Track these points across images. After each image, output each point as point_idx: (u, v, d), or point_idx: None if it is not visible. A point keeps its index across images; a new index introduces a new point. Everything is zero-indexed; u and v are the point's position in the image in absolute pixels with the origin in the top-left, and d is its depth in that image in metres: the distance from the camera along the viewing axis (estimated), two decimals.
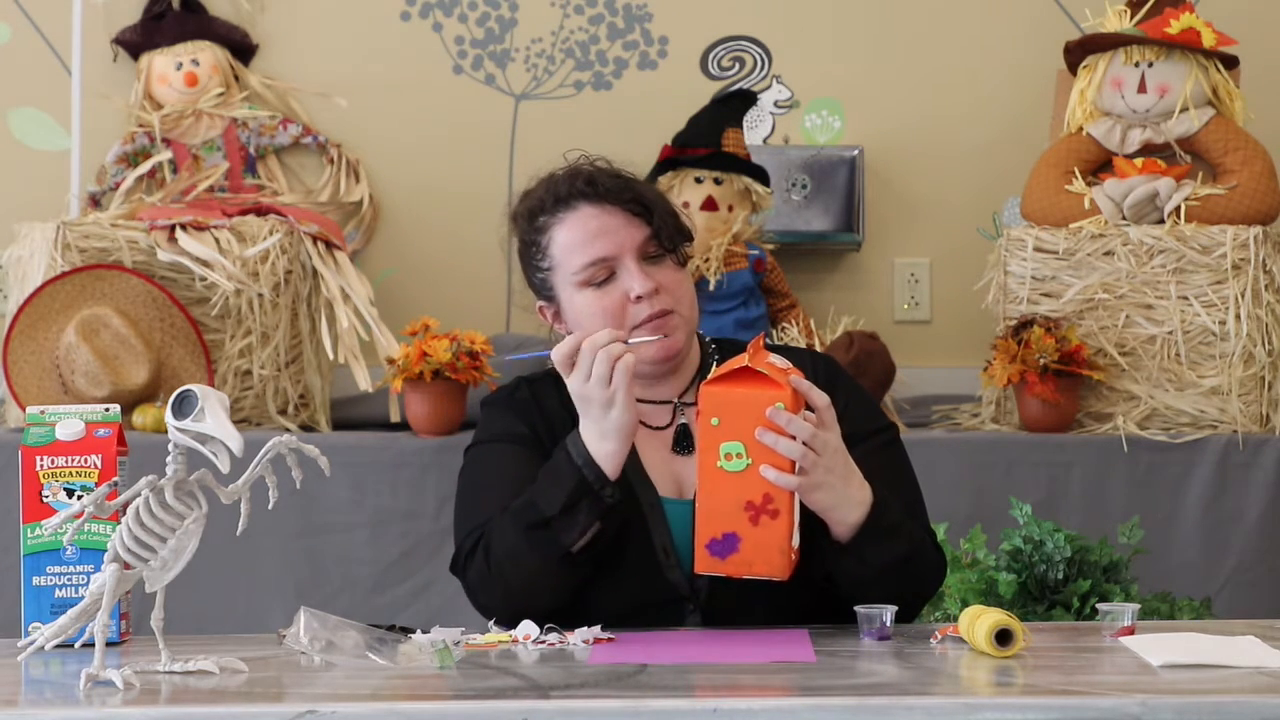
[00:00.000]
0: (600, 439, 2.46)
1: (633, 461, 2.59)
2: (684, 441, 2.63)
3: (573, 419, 2.52)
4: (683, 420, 2.64)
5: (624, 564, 2.55)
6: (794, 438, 2.34)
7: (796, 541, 2.38)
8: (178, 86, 4.38)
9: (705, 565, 2.37)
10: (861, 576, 2.47)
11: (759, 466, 2.34)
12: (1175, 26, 4.02)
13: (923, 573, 2.56)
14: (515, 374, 2.95)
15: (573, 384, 2.46)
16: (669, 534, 2.57)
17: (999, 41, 4.44)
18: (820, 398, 2.40)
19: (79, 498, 2.31)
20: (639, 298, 2.56)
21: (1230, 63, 4.09)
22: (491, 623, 2.50)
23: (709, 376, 2.37)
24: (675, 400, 2.65)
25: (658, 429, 2.64)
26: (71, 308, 3.95)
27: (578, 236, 2.59)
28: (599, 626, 2.38)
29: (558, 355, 2.48)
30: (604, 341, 2.45)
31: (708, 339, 2.72)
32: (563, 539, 2.45)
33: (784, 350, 2.64)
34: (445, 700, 2.03)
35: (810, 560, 2.46)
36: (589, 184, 2.60)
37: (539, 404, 2.64)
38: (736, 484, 2.34)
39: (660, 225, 2.60)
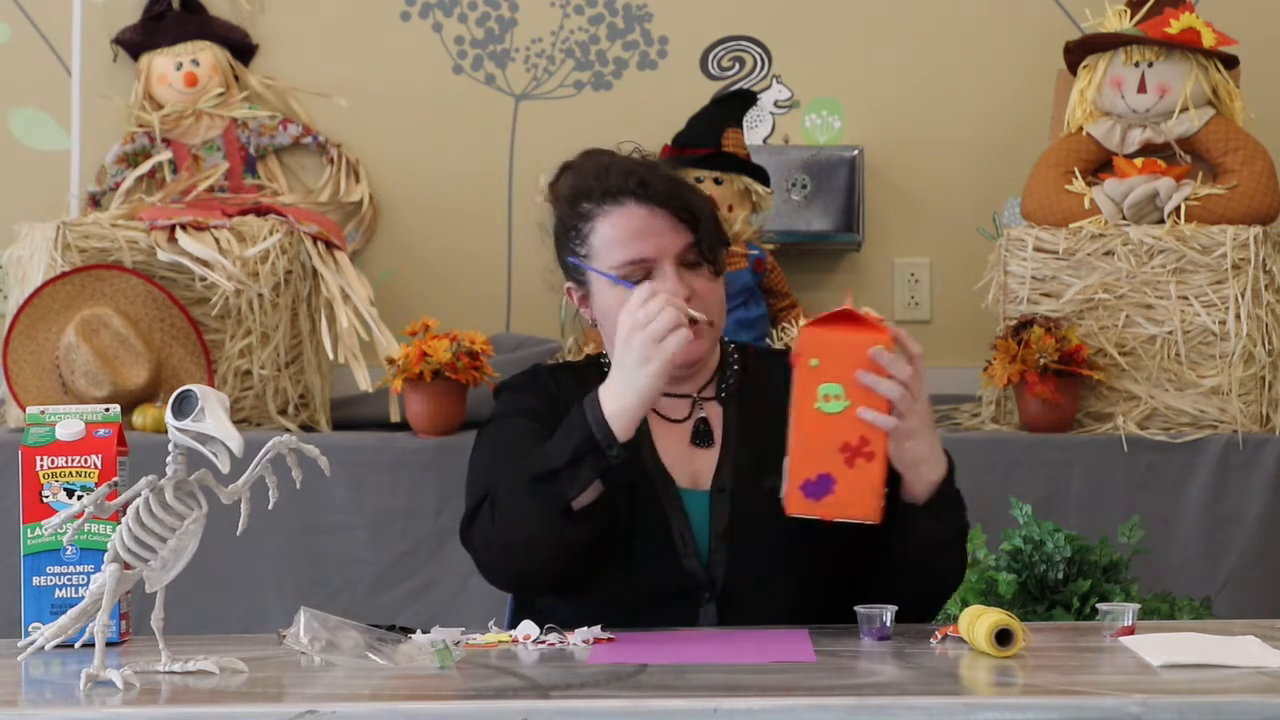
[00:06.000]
0: (619, 396, 2.47)
1: (651, 454, 2.62)
2: (702, 435, 2.66)
3: None
4: (701, 414, 2.67)
5: (642, 552, 2.57)
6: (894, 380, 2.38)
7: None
8: (178, 86, 4.38)
9: (799, 507, 2.37)
10: (939, 539, 2.52)
11: (857, 408, 2.36)
12: (1175, 26, 4.02)
13: (963, 557, 2.62)
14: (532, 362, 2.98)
15: (625, 323, 2.47)
16: (687, 523, 2.59)
17: (999, 41, 4.44)
18: (915, 346, 2.45)
19: (79, 498, 2.31)
20: None
21: (1230, 63, 4.08)
22: (491, 623, 2.51)
23: (807, 322, 2.39)
24: (694, 395, 2.67)
25: (676, 422, 2.67)
26: (71, 308, 3.95)
27: (621, 233, 2.60)
28: (599, 626, 2.39)
29: (638, 292, 2.48)
30: (680, 306, 2.47)
31: (728, 342, 2.75)
32: (566, 492, 2.46)
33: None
34: (445, 700, 2.03)
35: (839, 555, 2.50)
36: (641, 185, 2.61)
37: (558, 387, 2.66)
38: (834, 426, 2.36)
39: (704, 234, 2.62)
